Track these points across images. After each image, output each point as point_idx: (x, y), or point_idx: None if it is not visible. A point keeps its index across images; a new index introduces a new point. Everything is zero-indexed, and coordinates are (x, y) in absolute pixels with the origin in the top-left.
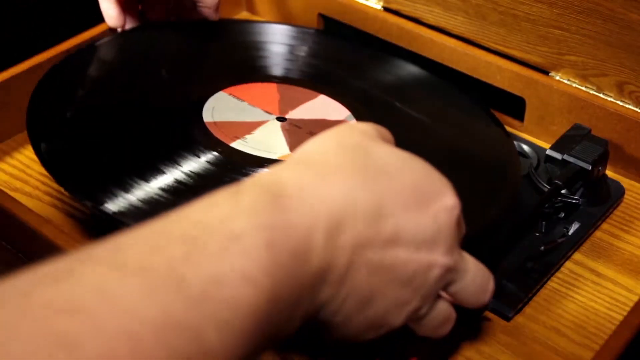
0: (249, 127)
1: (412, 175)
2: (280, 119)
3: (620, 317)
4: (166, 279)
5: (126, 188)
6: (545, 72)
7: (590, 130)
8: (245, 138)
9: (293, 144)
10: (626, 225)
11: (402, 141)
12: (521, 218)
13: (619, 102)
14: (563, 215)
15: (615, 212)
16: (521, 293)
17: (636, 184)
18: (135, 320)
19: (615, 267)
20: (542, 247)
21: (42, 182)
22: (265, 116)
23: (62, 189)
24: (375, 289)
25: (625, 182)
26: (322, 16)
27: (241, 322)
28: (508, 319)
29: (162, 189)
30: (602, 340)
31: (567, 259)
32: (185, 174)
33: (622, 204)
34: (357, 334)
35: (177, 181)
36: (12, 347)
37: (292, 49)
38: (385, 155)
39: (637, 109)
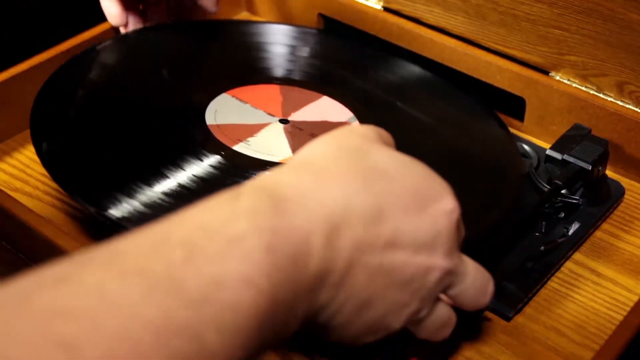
0: (252, 129)
1: (412, 179)
2: (283, 121)
3: (620, 317)
4: (166, 281)
5: (129, 193)
6: (545, 72)
7: (590, 130)
8: (248, 141)
9: (295, 147)
10: (626, 225)
11: (405, 142)
12: (521, 218)
13: (619, 102)
14: (563, 215)
15: (615, 212)
16: (521, 293)
17: (636, 184)
18: (135, 323)
19: (615, 267)
20: (542, 247)
21: (42, 182)
22: (268, 118)
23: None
24: (374, 292)
25: (625, 182)
26: (322, 16)
27: (241, 324)
28: (508, 319)
29: (165, 194)
30: (602, 340)
31: (567, 259)
32: (189, 177)
33: (622, 204)
34: (356, 336)
35: (180, 185)
36: (12, 351)
37: (294, 50)
38: (384, 159)
39: (637, 109)
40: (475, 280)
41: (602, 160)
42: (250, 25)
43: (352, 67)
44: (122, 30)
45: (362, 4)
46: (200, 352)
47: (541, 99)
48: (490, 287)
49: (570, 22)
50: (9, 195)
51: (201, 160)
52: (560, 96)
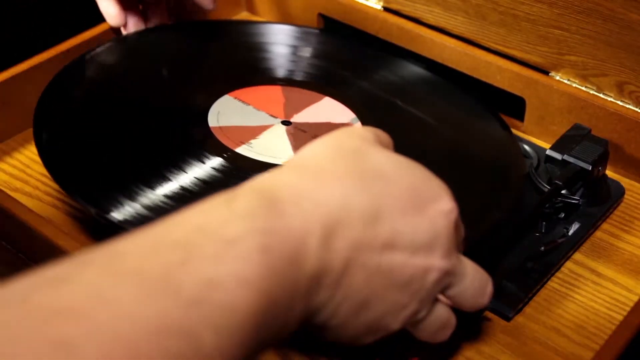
0: (254, 131)
1: (410, 180)
2: (286, 122)
3: (620, 317)
4: (162, 283)
5: (131, 195)
6: (545, 72)
7: (590, 130)
8: (251, 143)
9: (298, 148)
10: (626, 225)
11: (408, 143)
12: (521, 218)
13: (619, 102)
14: (563, 215)
15: (615, 212)
16: (521, 293)
17: (636, 184)
18: (132, 324)
19: (615, 267)
20: (542, 247)
21: (42, 182)
22: (271, 120)
23: (63, 190)
24: (372, 293)
25: (625, 182)
26: (322, 16)
27: (237, 326)
28: (508, 319)
29: (167, 196)
30: (602, 340)
31: (567, 259)
32: (191, 180)
33: (622, 204)
34: (354, 337)
35: (183, 188)
36: (10, 350)
37: (296, 50)
38: (382, 160)
39: (637, 109)
40: (474, 281)
41: (602, 160)
42: (252, 25)
43: (354, 67)
44: (123, 32)
45: (362, 4)
46: (197, 353)
47: (541, 99)
48: (489, 287)
49: (570, 22)
50: (9, 195)
51: (203, 163)
52: (560, 96)
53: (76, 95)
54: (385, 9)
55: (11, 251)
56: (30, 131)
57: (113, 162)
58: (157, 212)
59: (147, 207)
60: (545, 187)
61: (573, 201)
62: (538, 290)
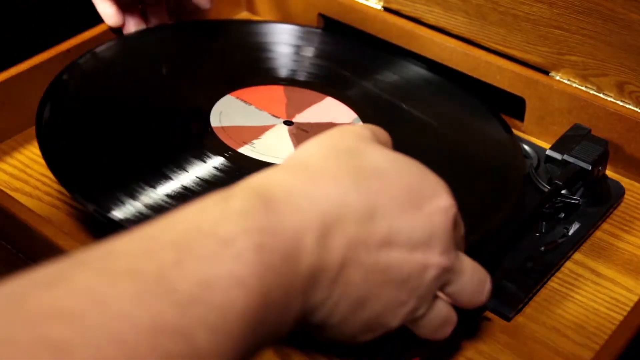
0: (257, 131)
1: (407, 177)
2: (288, 122)
3: (621, 317)
4: (156, 283)
5: (133, 194)
6: (545, 72)
7: (590, 130)
8: (253, 143)
9: None
10: (626, 225)
11: (410, 144)
12: (521, 218)
13: (619, 102)
14: (563, 215)
15: (615, 212)
16: (521, 293)
17: (636, 184)
18: (125, 325)
19: (615, 267)
20: (542, 247)
21: (42, 182)
22: (273, 120)
23: (63, 190)
24: (370, 291)
25: (625, 182)
26: (322, 16)
27: (232, 325)
28: (508, 319)
29: (169, 196)
30: (602, 340)
31: (567, 259)
32: (193, 180)
33: (622, 204)
34: (353, 335)
35: (184, 187)
36: (3, 353)
37: (298, 50)
38: (379, 158)
39: (637, 109)
40: (472, 278)
41: (602, 160)
42: (254, 25)
43: (356, 67)
44: (124, 32)
45: (362, 4)
46: (192, 353)
47: (541, 99)
48: (487, 284)
49: (570, 22)
50: (9, 195)
51: (205, 162)
52: (560, 96)
53: (78, 95)
54: (385, 9)
55: (11, 251)
56: (30, 131)
57: (115, 161)
58: (159, 211)
59: (149, 206)
60: (545, 187)
61: (573, 201)
62: (538, 290)
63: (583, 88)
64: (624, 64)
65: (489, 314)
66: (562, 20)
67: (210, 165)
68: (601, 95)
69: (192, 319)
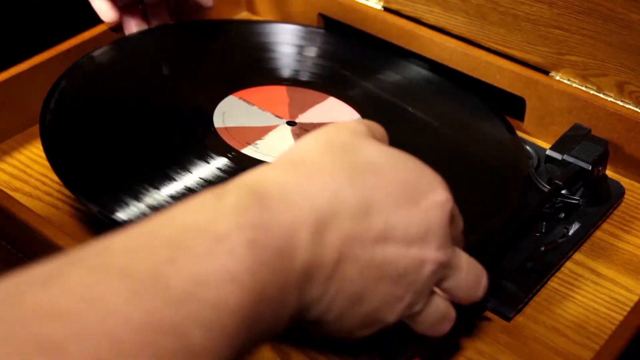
0: (260, 132)
1: (402, 172)
2: (291, 123)
3: (621, 317)
4: (151, 281)
5: (137, 195)
6: (545, 72)
7: (590, 130)
8: (256, 144)
9: None
10: (626, 225)
11: (412, 144)
12: (521, 218)
13: (619, 102)
14: (563, 215)
15: (615, 212)
16: (521, 293)
17: (636, 184)
18: (119, 323)
19: (615, 267)
20: (543, 247)
21: (42, 182)
22: (276, 120)
23: (64, 190)
24: (367, 286)
25: (625, 182)
26: (322, 16)
27: (226, 322)
28: (508, 319)
29: (173, 197)
30: (602, 340)
31: (567, 259)
32: (196, 181)
33: (622, 204)
34: (350, 330)
35: (188, 188)
36: None
37: (300, 50)
38: (374, 153)
39: (637, 109)
40: (469, 274)
41: (602, 160)
42: (256, 25)
43: (358, 67)
44: (126, 32)
45: (362, 4)
46: (186, 351)
47: (541, 99)
48: (483, 280)
49: (570, 22)
50: (9, 195)
51: (208, 163)
52: (560, 96)
53: (80, 96)
54: (385, 9)
55: (11, 251)
56: (30, 131)
57: (118, 163)
58: None
59: (152, 207)
60: (545, 187)
61: (573, 201)
62: (538, 290)
63: (583, 88)
64: (624, 64)
65: (489, 314)
66: (562, 20)
67: (213, 166)
68: (601, 95)
69: (186, 316)
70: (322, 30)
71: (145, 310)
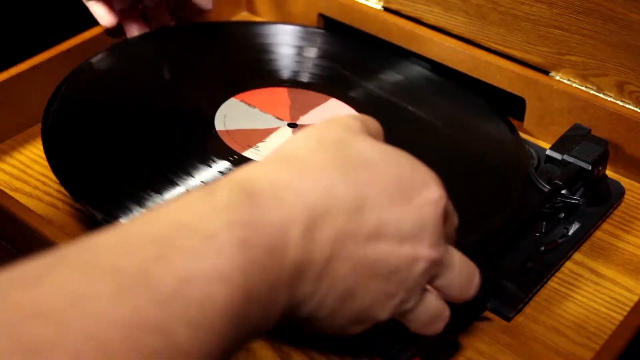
0: (261, 134)
1: (396, 168)
2: (292, 125)
3: (621, 317)
4: (137, 279)
5: (139, 201)
6: (545, 72)
7: (590, 130)
8: (258, 146)
9: None
10: (626, 225)
11: (414, 145)
12: (521, 218)
13: (619, 102)
14: (563, 215)
15: (615, 212)
16: (521, 293)
17: (636, 184)
18: (104, 322)
19: (615, 267)
20: (542, 247)
21: (42, 182)
22: (277, 122)
23: (63, 190)
24: (359, 283)
25: (625, 182)
26: (322, 16)
27: (213, 320)
28: (508, 319)
29: None
30: (602, 340)
31: (567, 259)
32: (198, 184)
33: (622, 204)
34: (342, 327)
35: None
36: None
37: (300, 51)
38: (367, 150)
39: (637, 109)
40: (461, 272)
41: (602, 160)
42: (256, 26)
43: (359, 68)
44: (128, 36)
45: (362, 4)
46: (172, 349)
47: (541, 99)
48: (476, 279)
49: (570, 22)
50: (9, 195)
51: (210, 167)
52: (560, 96)
53: (81, 101)
54: (385, 9)
55: (11, 251)
56: (30, 131)
57: (120, 167)
58: None
59: None
60: (545, 187)
61: (573, 201)
62: (538, 290)
63: (583, 88)
64: (624, 64)
65: (489, 314)
66: (562, 20)
67: (215, 170)
68: (601, 95)
69: (172, 315)
70: (322, 31)
71: (130, 309)
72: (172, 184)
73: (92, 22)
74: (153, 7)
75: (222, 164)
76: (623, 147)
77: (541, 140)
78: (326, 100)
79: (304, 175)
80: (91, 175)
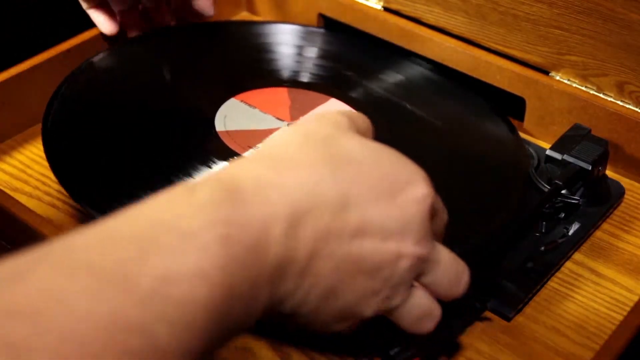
0: (261, 135)
1: (383, 166)
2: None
3: (621, 317)
4: (117, 278)
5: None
6: (545, 72)
7: (590, 130)
8: (258, 147)
9: None
10: (626, 225)
11: (414, 145)
12: (521, 218)
13: (619, 102)
14: (563, 215)
15: (615, 212)
16: (521, 293)
17: (636, 184)
18: (84, 322)
19: (615, 267)
20: (543, 247)
21: (42, 182)
22: (277, 123)
23: (63, 190)
24: (342, 280)
25: (625, 182)
26: (322, 16)
27: (193, 318)
28: (508, 319)
29: None
30: (602, 340)
31: (567, 259)
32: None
33: (622, 204)
34: (326, 323)
35: None
36: None
37: (301, 50)
38: (353, 147)
39: (637, 109)
40: (449, 269)
41: (602, 160)
42: (256, 26)
43: (360, 68)
44: (129, 37)
45: (362, 4)
46: (153, 348)
47: (541, 99)
48: (465, 276)
49: (570, 22)
50: (9, 195)
51: (211, 168)
52: (560, 96)
53: (82, 103)
54: (385, 9)
55: (11, 251)
56: (30, 131)
57: (119, 169)
58: None
59: None
60: (545, 187)
61: (573, 201)
62: (538, 290)
63: (583, 88)
64: (624, 64)
65: (489, 314)
66: (562, 20)
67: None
68: (601, 95)
69: (152, 314)
70: (322, 30)
71: (109, 308)
72: (172, 184)
73: (92, 22)
74: (153, 7)
75: (222, 165)
76: (623, 147)
77: (541, 140)
78: (326, 100)
79: (289, 172)
80: (91, 176)
